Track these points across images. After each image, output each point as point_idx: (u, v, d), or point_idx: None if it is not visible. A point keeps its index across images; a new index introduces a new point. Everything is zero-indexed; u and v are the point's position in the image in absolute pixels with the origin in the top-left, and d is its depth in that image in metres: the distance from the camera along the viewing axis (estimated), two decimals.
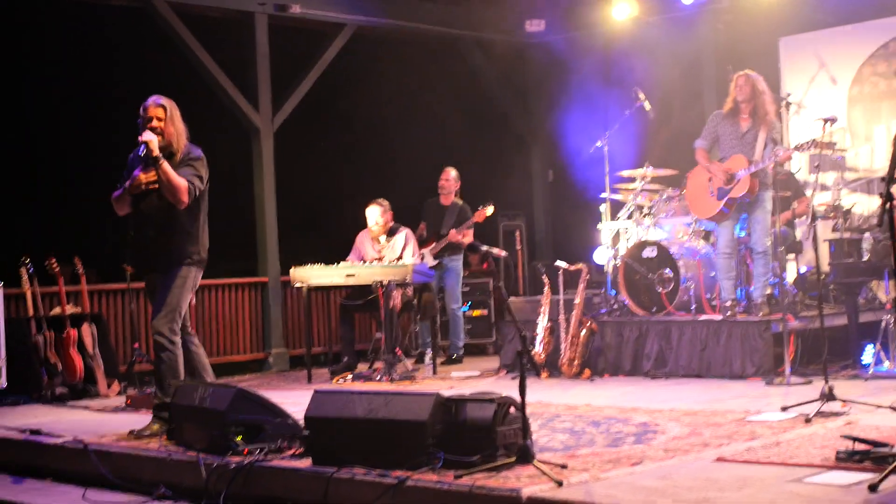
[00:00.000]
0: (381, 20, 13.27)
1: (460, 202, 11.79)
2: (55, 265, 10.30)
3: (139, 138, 7.16)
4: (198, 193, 7.29)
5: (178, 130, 7.33)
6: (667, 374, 9.37)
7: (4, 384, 9.66)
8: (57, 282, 10.30)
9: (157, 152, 7.14)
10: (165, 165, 7.14)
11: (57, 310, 10.38)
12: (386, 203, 11.10)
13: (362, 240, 11.18)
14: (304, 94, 12.76)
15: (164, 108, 7.29)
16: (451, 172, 11.92)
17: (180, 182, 7.17)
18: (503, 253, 11.33)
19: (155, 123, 7.24)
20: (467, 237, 11.67)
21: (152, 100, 7.34)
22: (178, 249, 7.30)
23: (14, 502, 6.61)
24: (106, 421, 8.15)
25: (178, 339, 7.30)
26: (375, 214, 11.01)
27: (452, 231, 11.53)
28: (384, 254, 10.96)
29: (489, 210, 11.57)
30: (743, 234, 9.65)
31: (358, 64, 14.82)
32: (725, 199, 9.32)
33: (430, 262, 11.39)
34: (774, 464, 5.32)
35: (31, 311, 10.16)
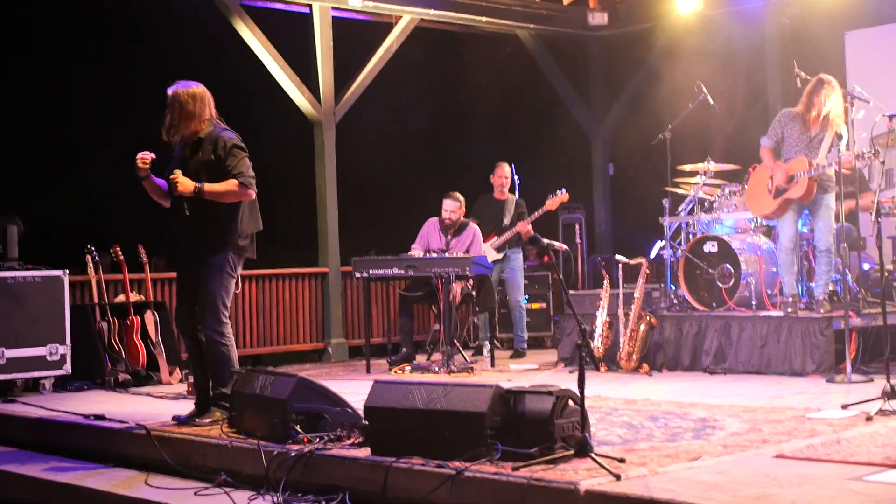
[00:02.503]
0: (443, 12, 13.29)
1: (515, 197, 11.79)
2: (119, 253, 10.45)
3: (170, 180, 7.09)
4: (252, 176, 7.14)
5: (190, 115, 7.16)
6: (726, 369, 9.32)
7: (69, 370, 9.80)
8: (121, 270, 10.44)
9: (190, 188, 7.01)
10: (207, 190, 7.04)
11: (121, 297, 10.53)
12: (462, 199, 11.14)
13: (429, 229, 11.21)
14: (366, 86, 12.81)
15: (169, 104, 7.17)
16: (506, 168, 11.91)
17: (228, 188, 7.09)
18: (564, 246, 11.32)
19: (168, 122, 7.16)
20: (528, 231, 11.65)
21: (167, 97, 7.23)
22: (212, 235, 7.19)
23: (79, 486, 6.72)
24: (167, 408, 8.23)
25: (227, 330, 7.25)
26: (451, 207, 11.03)
27: (521, 223, 11.51)
28: (452, 246, 11.00)
29: (562, 196, 11.55)
30: (805, 230, 9.57)
31: (419, 56, 14.86)
32: (781, 198, 9.24)
33: (493, 255, 11.42)
34: (835, 461, 5.28)
35: (95, 299, 10.32)
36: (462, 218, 11.13)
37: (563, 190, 11.58)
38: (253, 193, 7.21)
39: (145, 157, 7.11)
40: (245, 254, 7.35)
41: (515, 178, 12.29)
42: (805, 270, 9.64)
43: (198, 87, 7.29)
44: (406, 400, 5.80)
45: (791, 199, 9.21)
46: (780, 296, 9.51)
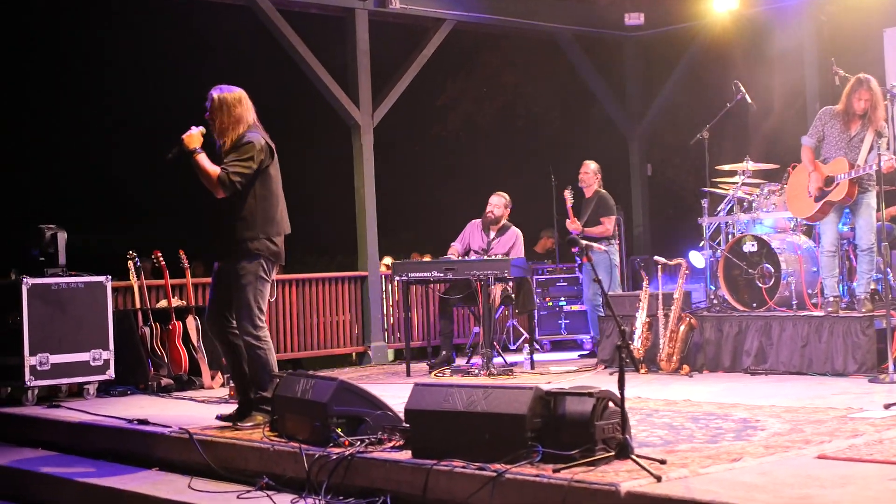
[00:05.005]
0: (481, 15, 13.29)
1: (601, 192, 11.63)
2: (160, 259, 10.54)
3: None
4: (236, 179, 7.09)
5: (228, 119, 7.22)
6: (767, 370, 9.28)
7: (112, 375, 9.88)
8: (163, 275, 10.53)
9: (192, 146, 7.10)
10: (199, 157, 7.11)
11: (163, 302, 10.61)
12: (508, 198, 11.18)
13: (471, 229, 11.25)
14: (404, 89, 12.83)
15: (211, 99, 7.25)
16: (590, 165, 11.77)
17: (210, 170, 7.09)
18: (602, 248, 11.28)
19: (207, 116, 7.25)
20: (598, 227, 11.44)
21: (212, 100, 7.31)
22: (230, 235, 7.21)
23: (122, 490, 6.78)
24: (210, 412, 8.25)
25: (264, 334, 7.28)
26: (497, 204, 11.08)
27: (567, 221, 11.47)
28: (493, 247, 11.02)
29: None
30: (846, 229, 9.51)
31: (457, 59, 14.88)
32: (823, 201, 9.20)
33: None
34: (877, 461, 5.25)
35: (137, 304, 10.41)
36: (506, 220, 11.15)
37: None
38: (220, 193, 7.14)
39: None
40: (278, 260, 7.40)
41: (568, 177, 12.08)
42: (846, 270, 9.58)
43: (241, 92, 7.36)
44: (446, 402, 5.82)
45: (832, 202, 9.16)
46: (820, 296, 9.47)
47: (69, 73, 16.10)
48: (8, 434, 8.88)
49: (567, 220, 11.49)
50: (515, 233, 11.13)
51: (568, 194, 11.56)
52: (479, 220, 11.23)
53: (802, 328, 9.19)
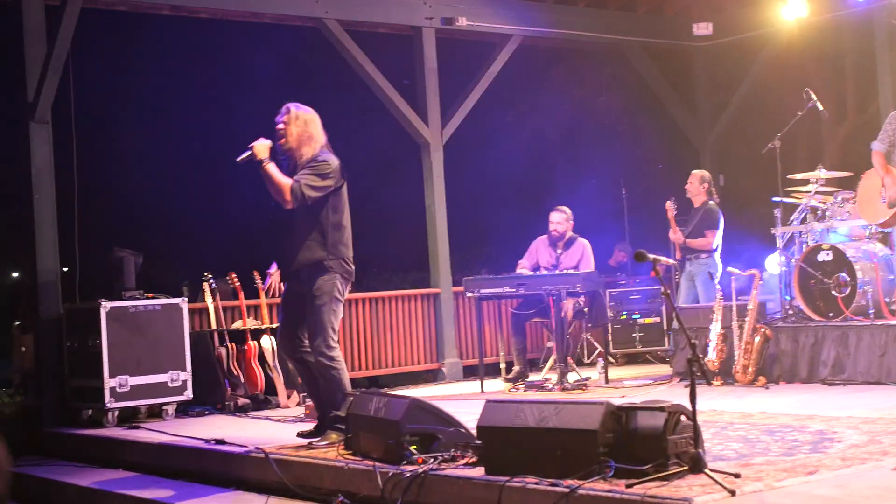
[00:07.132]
0: (548, 30, 13.30)
1: (709, 205, 11.47)
2: (235, 280, 10.66)
3: None
4: (308, 194, 7.19)
5: (304, 134, 7.34)
6: (844, 380, 9.16)
7: (190, 396, 10.01)
8: (237, 296, 10.65)
9: (261, 156, 7.23)
10: (268, 167, 7.21)
11: (238, 323, 10.73)
12: (569, 211, 11.15)
13: (538, 246, 11.24)
14: (472, 106, 12.87)
15: (289, 111, 7.39)
16: (696, 175, 11.64)
17: (282, 181, 7.19)
18: (671, 261, 11.22)
19: (280, 127, 7.37)
20: (701, 240, 11.26)
21: (283, 107, 7.47)
22: (304, 254, 7.30)
23: None
24: (286, 431, 8.34)
25: (337, 354, 7.32)
26: (559, 220, 11.06)
27: (669, 231, 11.38)
28: (561, 261, 11.01)
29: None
30: None
31: (524, 74, 14.88)
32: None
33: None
34: None
35: (213, 325, 10.53)
36: (571, 232, 11.13)
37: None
38: (289, 204, 7.22)
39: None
40: (351, 277, 7.47)
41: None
42: None
43: (315, 113, 7.48)
44: (518, 419, 5.83)
45: None
46: None
47: (129, 94, 16.36)
48: (90, 455, 9.06)
49: (670, 231, 11.41)
50: (582, 244, 11.09)
51: (670, 205, 11.44)
52: (544, 237, 11.20)
53: (880, 337, 9.06)
